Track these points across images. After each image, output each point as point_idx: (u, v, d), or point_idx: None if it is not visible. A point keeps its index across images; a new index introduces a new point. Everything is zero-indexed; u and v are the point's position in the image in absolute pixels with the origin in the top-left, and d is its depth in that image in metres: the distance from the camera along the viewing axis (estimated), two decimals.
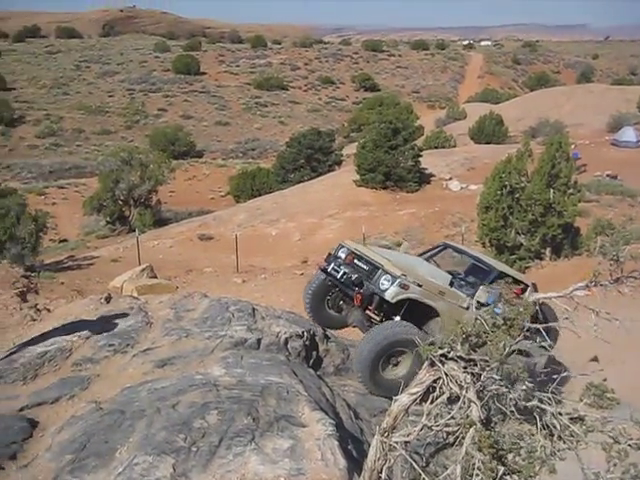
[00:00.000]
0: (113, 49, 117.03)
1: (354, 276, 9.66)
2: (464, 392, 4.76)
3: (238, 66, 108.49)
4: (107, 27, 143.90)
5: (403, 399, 5.05)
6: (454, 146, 50.23)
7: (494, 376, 4.91)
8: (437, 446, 5.44)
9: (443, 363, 4.85)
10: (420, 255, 11.55)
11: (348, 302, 10.57)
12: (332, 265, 10.26)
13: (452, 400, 4.88)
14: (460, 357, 4.84)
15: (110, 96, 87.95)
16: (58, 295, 16.71)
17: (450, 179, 38.18)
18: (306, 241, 30.31)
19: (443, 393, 4.87)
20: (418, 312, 9.46)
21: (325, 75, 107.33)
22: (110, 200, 37.30)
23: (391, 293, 9.13)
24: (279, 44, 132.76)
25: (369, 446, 6.51)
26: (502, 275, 10.20)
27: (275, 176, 45.54)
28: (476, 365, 4.85)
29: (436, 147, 48.92)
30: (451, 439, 4.95)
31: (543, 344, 9.85)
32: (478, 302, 9.27)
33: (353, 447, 6.60)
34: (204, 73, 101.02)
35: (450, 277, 10.00)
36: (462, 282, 10.66)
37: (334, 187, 37.95)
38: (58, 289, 20.35)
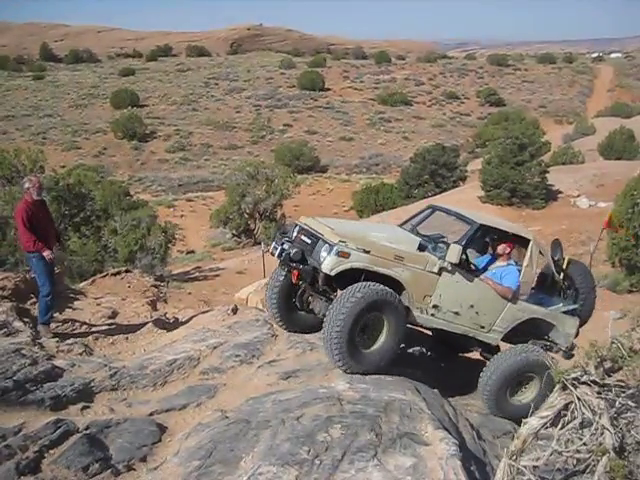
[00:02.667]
0: (240, 66, 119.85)
1: (293, 251, 8.19)
2: (597, 418, 4.60)
3: (362, 82, 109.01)
4: (235, 45, 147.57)
5: (533, 422, 4.93)
6: (582, 162, 48.78)
7: (630, 403, 4.72)
8: (566, 473, 5.27)
9: (576, 387, 4.71)
10: (405, 222, 9.94)
11: (311, 292, 8.78)
12: (273, 244, 8.79)
13: (584, 426, 4.73)
14: (594, 381, 4.68)
15: (237, 112, 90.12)
16: (186, 305, 17.20)
17: (578, 196, 37.12)
18: None
19: (575, 418, 4.72)
20: (384, 285, 7.85)
21: (449, 90, 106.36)
22: (236, 213, 38.39)
23: (328, 264, 7.65)
24: (403, 59, 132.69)
25: (492, 468, 6.43)
26: (486, 229, 8.85)
27: (399, 191, 45.53)
28: (611, 390, 4.68)
29: (564, 163, 47.71)
30: (582, 466, 4.80)
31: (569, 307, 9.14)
32: (450, 263, 8.12)
33: (476, 468, 6.47)
34: (329, 89, 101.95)
35: (419, 240, 8.43)
36: (439, 244, 8.43)
37: (458, 203, 37.27)
38: (186, 299, 21.01)
